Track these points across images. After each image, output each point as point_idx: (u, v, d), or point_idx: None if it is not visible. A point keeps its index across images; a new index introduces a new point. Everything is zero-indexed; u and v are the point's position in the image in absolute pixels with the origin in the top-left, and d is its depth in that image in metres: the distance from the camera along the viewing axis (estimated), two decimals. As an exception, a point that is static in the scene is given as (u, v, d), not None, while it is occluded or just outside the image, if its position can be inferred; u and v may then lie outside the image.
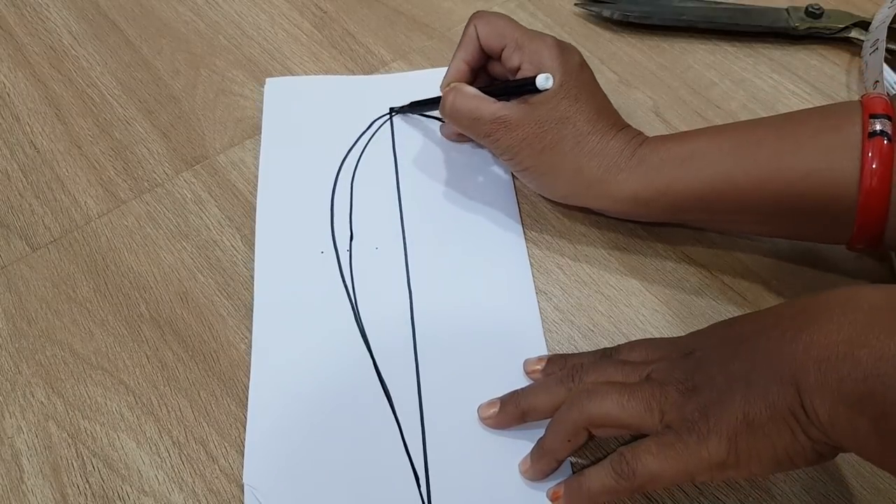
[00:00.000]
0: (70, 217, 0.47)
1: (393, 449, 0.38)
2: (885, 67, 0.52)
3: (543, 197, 0.47)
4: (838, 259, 0.45)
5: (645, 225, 0.46)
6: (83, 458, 0.39)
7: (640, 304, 0.43)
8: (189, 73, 0.54)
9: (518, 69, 0.44)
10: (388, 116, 0.51)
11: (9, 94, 0.53)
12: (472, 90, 0.44)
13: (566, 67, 0.43)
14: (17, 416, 0.40)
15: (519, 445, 0.37)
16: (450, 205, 0.47)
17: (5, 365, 0.41)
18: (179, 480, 0.38)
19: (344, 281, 0.44)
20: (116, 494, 0.38)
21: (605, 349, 0.39)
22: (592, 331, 0.43)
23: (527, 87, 0.43)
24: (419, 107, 0.50)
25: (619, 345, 0.39)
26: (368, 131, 0.50)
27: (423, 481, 0.37)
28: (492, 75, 0.48)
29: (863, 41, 0.54)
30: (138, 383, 0.41)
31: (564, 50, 0.44)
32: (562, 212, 0.47)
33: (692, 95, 0.53)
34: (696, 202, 0.40)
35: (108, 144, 0.50)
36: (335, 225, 0.46)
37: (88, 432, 0.39)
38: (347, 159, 0.49)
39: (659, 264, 0.45)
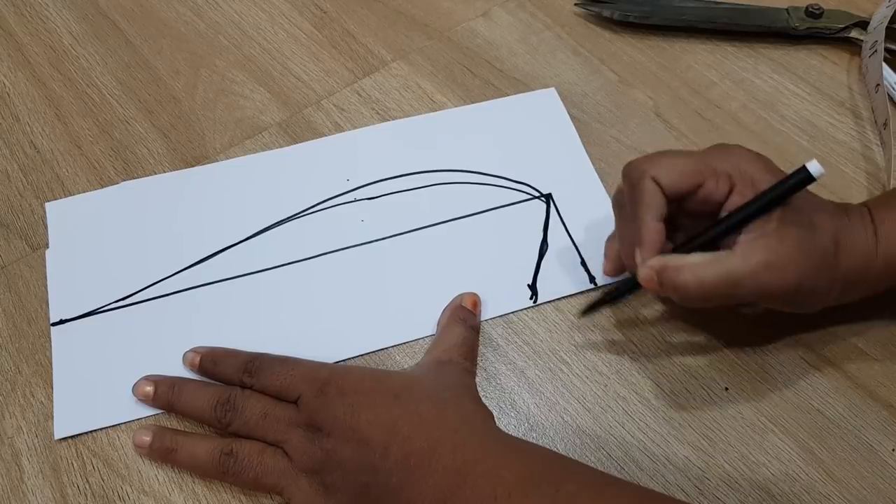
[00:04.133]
0: (70, 217, 0.47)
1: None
2: (886, 68, 0.52)
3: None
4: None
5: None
6: (83, 458, 0.39)
7: (640, 304, 0.43)
8: (189, 73, 0.54)
9: (728, 196, 0.37)
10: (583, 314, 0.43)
11: (9, 94, 0.53)
12: (694, 258, 0.36)
13: (771, 167, 0.38)
14: (17, 416, 0.40)
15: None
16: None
17: (5, 365, 0.41)
18: (179, 480, 0.38)
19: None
20: (116, 494, 0.38)
21: (249, 363, 0.39)
22: (592, 330, 0.43)
23: (794, 188, 0.35)
24: (611, 300, 0.41)
25: (262, 359, 0.39)
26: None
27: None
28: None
29: (862, 41, 0.54)
30: (138, 383, 0.41)
31: (753, 152, 0.38)
32: (562, 212, 0.47)
33: (692, 95, 0.53)
34: None
35: (108, 144, 0.50)
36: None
37: (88, 432, 0.39)
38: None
39: (659, 264, 0.45)
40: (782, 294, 0.36)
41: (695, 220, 0.39)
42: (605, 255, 0.43)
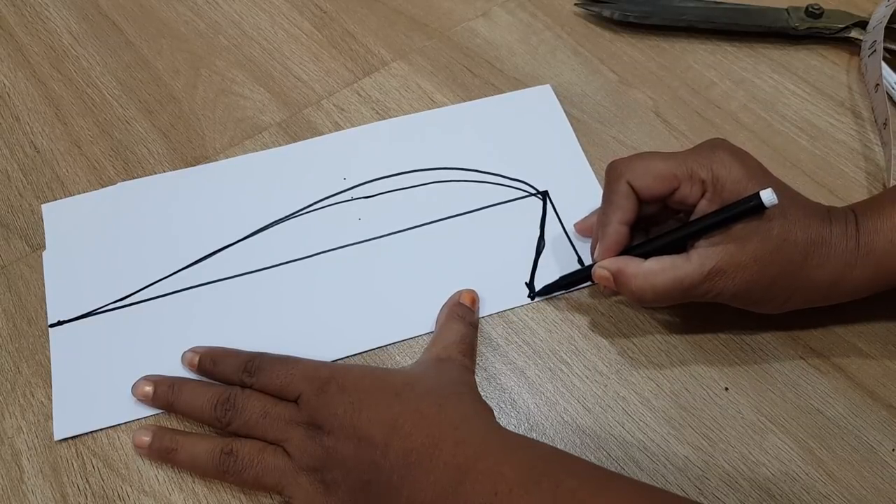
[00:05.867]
0: (70, 217, 0.47)
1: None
2: (886, 68, 0.52)
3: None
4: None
5: (644, 228, 0.46)
6: (83, 458, 0.39)
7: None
8: (189, 73, 0.54)
9: (700, 199, 0.38)
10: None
11: (9, 94, 0.53)
12: (649, 264, 0.38)
13: (753, 173, 0.37)
14: (17, 416, 0.40)
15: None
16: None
17: (5, 365, 0.41)
18: (179, 480, 0.38)
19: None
20: (116, 494, 0.38)
21: (248, 363, 0.39)
22: (592, 330, 0.43)
23: (745, 214, 0.36)
24: (562, 286, 0.43)
25: (262, 358, 0.39)
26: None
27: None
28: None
29: (862, 41, 0.54)
30: (138, 383, 0.41)
31: (738, 154, 0.38)
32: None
33: (692, 95, 0.53)
34: None
35: (108, 144, 0.50)
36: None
37: (88, 432, 0.39)
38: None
39: (659, 264, 0.45)
40: (731, 297, 0.38)
41: (677, 215, 0.41)
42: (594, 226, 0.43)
